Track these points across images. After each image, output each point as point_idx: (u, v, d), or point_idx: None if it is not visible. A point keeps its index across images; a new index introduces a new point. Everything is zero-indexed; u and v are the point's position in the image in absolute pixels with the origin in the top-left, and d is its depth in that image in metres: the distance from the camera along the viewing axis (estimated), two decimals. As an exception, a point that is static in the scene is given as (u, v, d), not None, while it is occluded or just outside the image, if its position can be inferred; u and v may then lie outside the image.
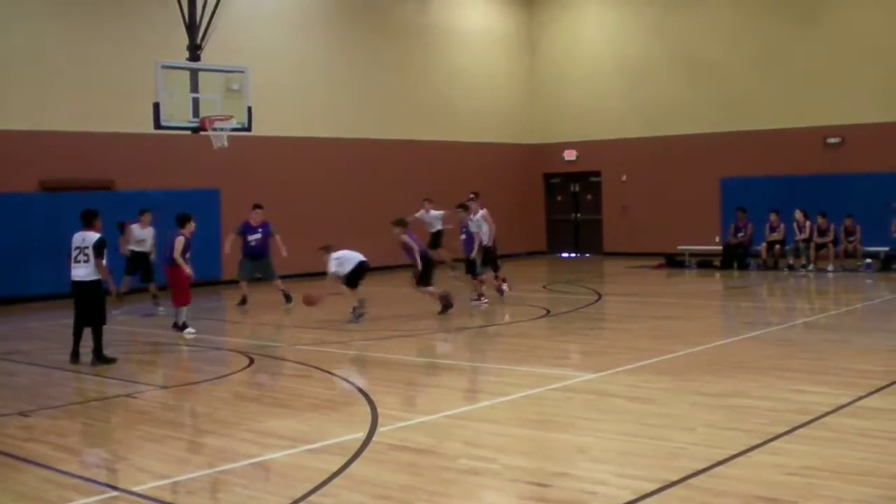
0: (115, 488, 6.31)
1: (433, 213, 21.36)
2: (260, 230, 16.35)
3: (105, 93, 18.72)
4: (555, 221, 28.04)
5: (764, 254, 21.23)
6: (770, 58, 23.48)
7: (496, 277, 16.62)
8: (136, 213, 16.02)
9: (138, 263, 15.89)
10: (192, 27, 16.51)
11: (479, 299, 15.92)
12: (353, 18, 23.48)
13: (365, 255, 14.63)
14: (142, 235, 15.87)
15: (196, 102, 15.51)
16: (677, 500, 5.70)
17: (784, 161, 23.19)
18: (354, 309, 14.14)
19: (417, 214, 20.87)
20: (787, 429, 7.16)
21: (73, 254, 11.13)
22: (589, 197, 27.43)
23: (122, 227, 15.91)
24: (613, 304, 16.49)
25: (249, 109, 16.00)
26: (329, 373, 10.40)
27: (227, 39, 18.60)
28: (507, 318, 14.76)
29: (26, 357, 12.03)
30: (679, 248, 22.93)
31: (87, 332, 11.21)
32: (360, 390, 9.27)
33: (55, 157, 18.33)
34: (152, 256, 15.85)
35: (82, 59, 18.65)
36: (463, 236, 16.54)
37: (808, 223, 20.78)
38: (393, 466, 6.58)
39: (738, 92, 23.88)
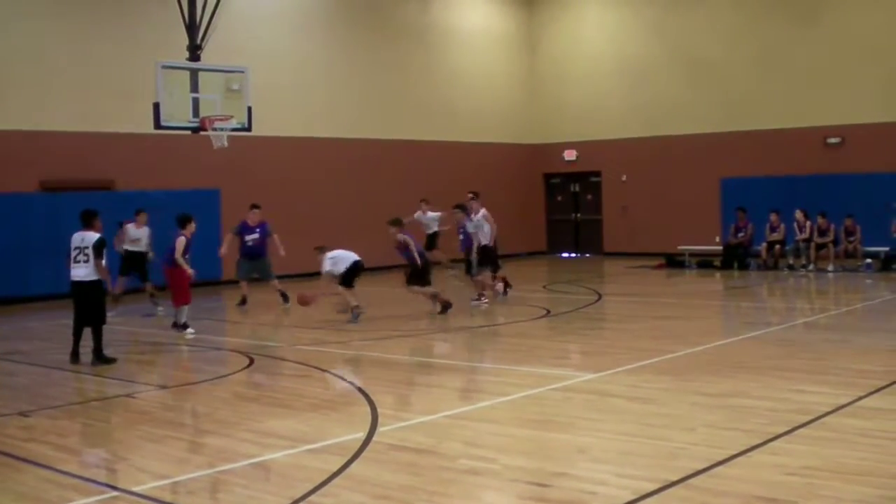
0: (115, 488, 6.32)
1: (430, 214, 21.37)
2: (257, 230, 16.34)
3: (105, 93, 18.72)
4: (555, 221, 28.04)
5: (764, 254, 21.22)
6: (770, 58, 23.48)
7: (494, 277, 16.60)
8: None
9: (133, 263, 15.87)
10: (192, 27, 16.50)
11: (479, 299, 15.92)
12: (353, 18, 23.48)
13: (365, 256, 14.63)
14: (137, 235, 15.85)
15: (196, 102, 15.49)
16: (677, 500, 5.71)
17: (784, 161, 23.18)
18: (354, 309, 14.14)
19: (415, 215, 20.90)
20: (787, 429, 7.16)
21: (73, 254, 11.13)
22: (589, 197, 27.42)
23: (120, 227, 15.91)
24: (613, 304, 16.48)
25: (249, 109, 16.00)
26: (329, 373, 10.41)
27: (227, 39, 18.60)
28: (502, 319, 14.75)
29: (26, 357, 12.03)
30: (679, 248, 22.92)
31: (87, 332, 11.22)
32: (360, 390, 9.26)
33: (55, 157, 18.33)
34: (150, 256, 15.84)
35: (82, 59, 18.66)
36: (461, 237, 16.51)
37: (808, 223, 20.77)
38: (393, 466, 6.58)
39: (738, 92, 23.87)
